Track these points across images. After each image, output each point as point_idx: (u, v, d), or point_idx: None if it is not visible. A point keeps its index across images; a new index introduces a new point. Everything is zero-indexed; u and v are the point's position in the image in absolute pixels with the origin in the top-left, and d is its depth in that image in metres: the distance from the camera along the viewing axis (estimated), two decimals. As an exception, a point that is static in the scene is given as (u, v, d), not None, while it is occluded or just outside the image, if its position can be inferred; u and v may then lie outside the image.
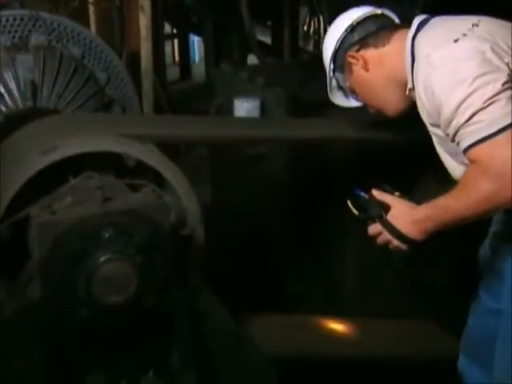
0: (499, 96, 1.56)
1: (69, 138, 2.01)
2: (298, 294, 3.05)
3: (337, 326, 2.83)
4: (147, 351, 1.97)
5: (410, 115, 1.92)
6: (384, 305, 2.79)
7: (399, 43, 1.86)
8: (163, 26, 7.04)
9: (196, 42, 9.41)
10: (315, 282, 3.01)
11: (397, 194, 1.83)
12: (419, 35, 1.80)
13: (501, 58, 1.62)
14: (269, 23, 6.39)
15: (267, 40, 6.27)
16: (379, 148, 2.31)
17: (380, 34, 1.92)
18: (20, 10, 2.99)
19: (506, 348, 1.90)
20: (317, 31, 6.30)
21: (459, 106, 1.59)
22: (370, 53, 1.93)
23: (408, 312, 2.77)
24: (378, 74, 1.92)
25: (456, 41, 1.65)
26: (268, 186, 2.94)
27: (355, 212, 1.85)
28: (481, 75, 1.58)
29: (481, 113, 1.57)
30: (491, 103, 1.56)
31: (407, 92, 1.87)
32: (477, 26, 1.70)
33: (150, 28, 4.53)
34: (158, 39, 5.58)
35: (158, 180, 2.11)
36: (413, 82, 1.80)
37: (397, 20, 2.00)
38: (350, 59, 1.96)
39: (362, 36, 1.94)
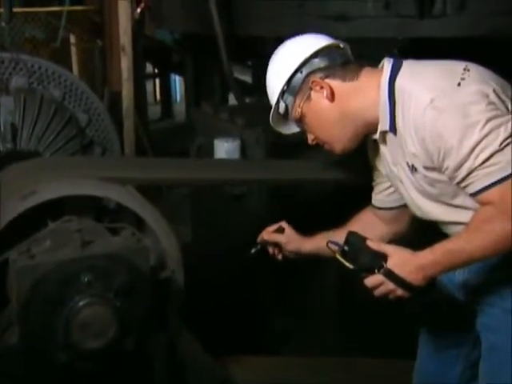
0: (511, 138, 1.60)
1: (48, 182, 2.01)
2: (282, 334, 3.04)
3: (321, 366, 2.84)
4: (127, 396, 1.95)
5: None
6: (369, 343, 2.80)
7: (369, 82, 1.82)
8: (145, 66, 7.11)
9: (177, 81, 9.49)
10: (298, 321, 3.00)
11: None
12: (400, 79, 1.77)
13: (502, 101, 1.66)
14: (249, 63, 6.46)
15: (247, 79, 6.33)
16: (356, 189, 2.34)
17: (348, 68, 1.86)
18: (0, 53, 3.01)
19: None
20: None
21: (473, 149, 1.60)
22: (337, 84, 1.84)
23: (393, 350, 2.78)
24: (341, 107, 1.84)
25: (459, 85, 1.66)
26: (248, 225, 2.95)
27: (349, 266, 1.77)
28: (492, 118, 1.60)
29: (497, 155, 1.59)
30: (506, 145, 1.59)
31: (377, 135, 1.84)
32: (468, 70, 1.71)
33: (132, 69, 4.58)
34: (139, 79, 5.62)
35: (139, 221, 2.12)
36: (391, 124, 1.78)
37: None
38: (313, 85, 1.85)
39: (328, 64, 1.85)
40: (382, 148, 1.90)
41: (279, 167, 2.37)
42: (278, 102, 1.91)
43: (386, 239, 2.02)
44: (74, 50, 6.01)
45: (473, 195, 1.67)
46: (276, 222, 2.19)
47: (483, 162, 1.60)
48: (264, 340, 2.96)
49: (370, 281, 1.74)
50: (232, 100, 4.35)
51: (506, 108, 1.66)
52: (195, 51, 5.31)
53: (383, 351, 2.78)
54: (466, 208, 1.75)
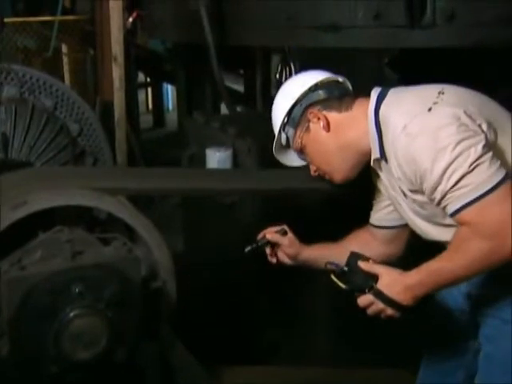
0: (482, 159, 1.61)
1: (39, 193, 2.00)
2: (272, 344, 3.04)
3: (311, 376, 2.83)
4: (118, 407, 1.94)
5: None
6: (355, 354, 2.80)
7: (361, 112, 1.88)
8: (137, 75, 7.12)
9: (170, 90, 9.50)
10: (288, 332, 2.99)
11: (371, 261, 1.84)
12: (383, 107, 1.83)
13: (474, 121, 1.68)
14: (241, 72, 6.48)
15: (240, 88, 6.35)
16: (348, 198, 2.35)
17: (344, 100, 1.94)
18: (-8, 63, 3.02)
19: None
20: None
21: (445, 171, 1.63)
22: (333, 115, 1.92)
23: (384, 360, 2.78)
24: (337, 137, 1.92)
25: (430, 110, 1.69)
26: (240, 234, 2.95)
27: (342, 286, 1.82)
28: (462, 140, 1.62)
29: (467, 177, 1.61)
30: (476, 166, 1.61)
31: (372, 162, 1.89)
32: (442, 93, 1.75)
33: (123, 78, 4.58)
34: (131, 88, 5.63)
35: (130, 231, 2.11)
36: (381, 152, 1.83)
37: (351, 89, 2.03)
38: (311, 117, 1.94)
39: (325, 97, 1.94)
40: (381, 174, 1.95)
41: (271, 177, 2.37)
42: (279, 134, 2.01)
43: (379, 260, 2.05)
44: (65, 59, 6.01)
45: (451, 216, 1.70)
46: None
47: (455, 184, 1.63)
48: (255, 350, 2.96)
49: (362, 301, 1.80)
50: (224, 109, 4.37)
51: (480, 128, 1.68)
52: (187, 61, 5.33)
53: (374, 361, 2.78)
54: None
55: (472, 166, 1.61)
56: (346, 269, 1.84)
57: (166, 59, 6.38)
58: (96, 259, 1.91)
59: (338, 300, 2.00)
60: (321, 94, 1.95)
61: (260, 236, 2.17)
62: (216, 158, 2.91)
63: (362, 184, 2.03)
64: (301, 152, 2.02)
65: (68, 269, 1.85)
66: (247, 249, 2.14)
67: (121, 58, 4.54)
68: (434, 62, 2.67)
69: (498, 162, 1.63)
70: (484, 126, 1.69)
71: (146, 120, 8.63)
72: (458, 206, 1.64)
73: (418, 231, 1.93)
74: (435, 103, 1.71)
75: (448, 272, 1.69)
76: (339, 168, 1.95)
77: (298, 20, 2.70)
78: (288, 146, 2.04)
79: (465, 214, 1.64)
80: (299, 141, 1.98)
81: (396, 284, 1.74)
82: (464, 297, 1.99)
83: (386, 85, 1.92)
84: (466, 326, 2.05)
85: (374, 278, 1.77)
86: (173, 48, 5.77)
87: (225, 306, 2.96)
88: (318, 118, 1.93)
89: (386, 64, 3.05)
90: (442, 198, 1.67)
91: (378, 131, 1.82)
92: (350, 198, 2.12)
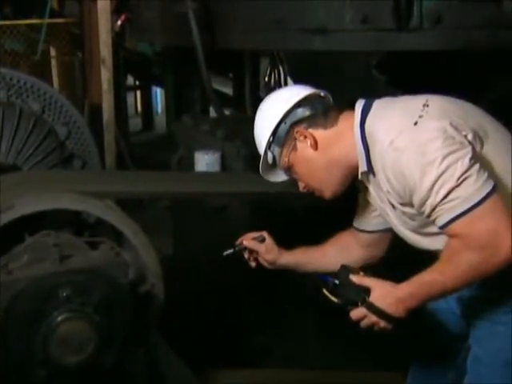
0: (469, 172, 1.62)
1: (26, 196, 1.99)
2: (263, 347, 3.03)
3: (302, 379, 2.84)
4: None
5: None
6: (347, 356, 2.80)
7: (346, 126, 1.87)
8: (126, 78, 7.11)
9: (159, 93, 9.48)
10: (278, 336, 2.99)
11: (361, 273, 1.83)
12: (369, 121, 1.82)
13: (460, 132, 1.69)
14: (230, 75, 6.48)
15: (229, 91, 6.35)
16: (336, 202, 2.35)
17: (329, 115, 1.91)
18: (-21, 67, 3.01)
19: None
20: (277, 82, 6.41)
21: (433, 185, 1.64)
22: (319, 133, 1.89)
23: (376, 363, 2.78)
24: (325, 154, 1.89)
25: (416, 124, 1.69)
26: (229, 237, 2.95)
27: (334, 300, 1.82)
28: (448, 154, 1.63)
29: (456, 190, 1.62)
30: (463, 180, 1.62)
31: (359, 176, 1.89)
32: (427, 105, 1.75)
33: (112, 81, 4.57)
34: (119, 91, 5.61)
35: (118, 235, 2.11)
36: (369, 165, 1.82)
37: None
38: (298, 135, 1.90)
39: (310, 114, 1.90)
40: (369, 186, 1.95)
41: (260, 180, 2.38)
42: (265, 153, 1.96)
43: (360, 263, 2.06)
44: (54, 62, 5.99)
45: (440, 228, 1.71)
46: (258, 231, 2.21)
47: (443, 198, 1.64)
48: (245, 353, 2.96)
49: (354, 314, 1.79)
50: (213, 112, 4.37)
51: (466, 139, 1.69)
52: (176, 64, 5.33)
53: (366, 363, 2.79)
54: None
55: (460, 180, 1.62)
56: (337, 282, 1.84)
57: (154, 62, 6.37)
58: (84, 263, 1.91)
59: (330, 303, 2.01)
60: (305, 110, 1.90)
61: (238, 241, 2.18)
62: (205, 161, 2.91)
63: (350, 192, 2.02)
64: (287, 170, 1.99)
65: (55, 273, 1.85)
66: (225, 253, 2.15)
67: (109, 61, 4.53)
68: (421, 65, 2.67)
69: (486, 174, 1.64)
70: (470, 137, 1.70)
71: (135, 123, 8.61)
72: (448, 218, 1.66)
73: (408, 241, 1.94)
74: (420, 116, 1.71)
75: (439, 284, 1.70)
76: (328, 184, 1.93)
77: (286, 23, 2.70)
78: (274, 164, 2.00)
79: (454, 227, 1.66)
80: (286, 160, 1.94)
81: (388, 296, 1.75)
82: (455, 299, 2.00)
83: (374, 87, 1.92)
84: (457, 328, 2.06)
85: (366, 290, 1.77)
86: (161, 51, 5.76)
87: (215, 309, 2.95)
88: (305, 137, 1.89)
89: (373, 67, 3.06)
90: (432, 211, 1.68)
91: (364, 145, 1.82)
92: (339, 201, 2.12)
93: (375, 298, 1.76)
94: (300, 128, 1.90)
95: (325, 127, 1.90)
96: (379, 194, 1.89)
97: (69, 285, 1.81)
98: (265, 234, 2.18)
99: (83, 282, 1.83)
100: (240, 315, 2.98)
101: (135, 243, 2.04)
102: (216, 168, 2.92)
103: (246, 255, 2.20)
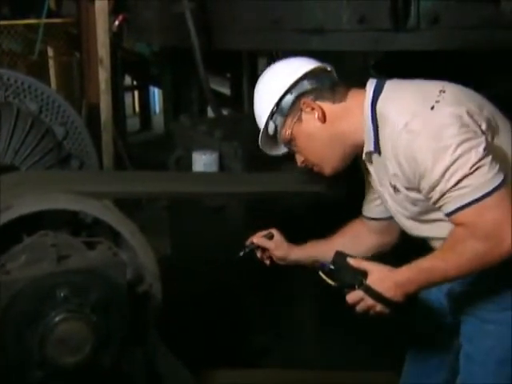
0: (482, 161, 1.63)
1: (24, 197, 1.99)
2: (261, 347, 3.04)
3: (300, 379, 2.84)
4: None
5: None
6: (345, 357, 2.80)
7: (355, 103, 1.85)
8: (123, 78, 7.11)
9: (156, 93, 9.48)
10: (277, 336, 3.00)
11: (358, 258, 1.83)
12: (381, 101, 1.79)
13: (475, 122, 1.69)
14: (228, 75, 6.48)
15: (226, 91, 6.35)
16: (335, 201, 2.35)
17: (336, 90, 1.88)
18: (-24, 67, 3.00)
19: None
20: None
21: (445, 172, 1.64)
22: (327, 106, 1.86)
23: (369, 364, 2.78)
24: (331, 128, 1.86)
25: (432, 108, 1.68)
26: (227, 237, 2.95)
27: (331, 283, 1.82)
28: (463, 141, 1.63)
29: (468, 178, 1.63)
30: (476, 169, 1.62)
31: (363, 156, 1.87)
32: (443, 91, 1.74)
33: (109, 81, 4.56)
34: (117, 91, 5.61)
35: (116, 235, 2.11)
36: (375, 146, 1.81)
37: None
38: (304, 107, 1.86)
39: (318, 86, 1.87)
40: (370, 167, 1.93)
41: (257, 180, 2.38)
42: (267, 124, 1.92)
43: (374, 251, 2.07)
44: (51, 62, 5.99)
45: (447, 216, 1.70)
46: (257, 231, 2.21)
47: (454, 185, 1.64)
48: (243, 353, 2.96)
49: (351, 297, 1.78)
50: (211, 112, 4.37)
51: (480, 129, 1.69)
52: (173, 64, 5.32)
53: (363, 364, 2.79)
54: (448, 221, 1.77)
55: (473, 168, 1.62)
56: (332, 267, 1.83)
57: (152, 62, 6.37)
58: (81, 263, 1.91)
59: (329, 303, 2.01)
60: (313, 83, 1.87)
61: (248, 241, 2.17)
62: (202, 161, 2.91)
63: (353, 178, 2.01)
64: (288, 143, 1.95)
65: (53, 273, 1.84)
66: (238, 255, 2.14)
67: (107, 61, 4.52)
68: (418, 65, 2.68)
69: (497, 166, 1.65)
70: (484, 127, 1.70)
71: (133, 123, 8.61)
72: (456, 206, 1.65)
73: (403, 226, 1.94)
74: (437, 102, 1.70)
75: (440, 271, 1.70)
76: (330, 159, 1.90)
77: (283, 23, 2.70)
78: (275, 136, 1.95)
79: (461, 215, 1.66)
80: (289, 131, 1.90)
81: (386, 280, 1.74)
82: (445, 296, 2.00)
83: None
84: (449, 325, 2.06)
85: (363, 274, 1.76)
86: (159, 51, 5.76)
87: (213, 309, 2.95)
88: (312, 109, 1.86)
89: (371, 67, 3.06)
90: (440, 197, 1.68)
91: (373, 125, 1.79)
92: (336, 199, 2.13)
93: (373, 281, 1.74)
94: (307, 99, 1.86)
95: (332, 101, 1.86)
96: (380, 176, 1.88)
97: (66, 285, 1.81)
98: (273, 230, 2.17)
99: (81, 283, 1.83)
100: (238, 315, 2.98)
101: (133, 243, 2.04)
102: (214, 168, 2.92)
103: (259, 254, 2.18)
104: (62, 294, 1.81)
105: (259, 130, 1.96)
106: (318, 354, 2.92)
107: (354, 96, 1.88)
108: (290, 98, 1.88)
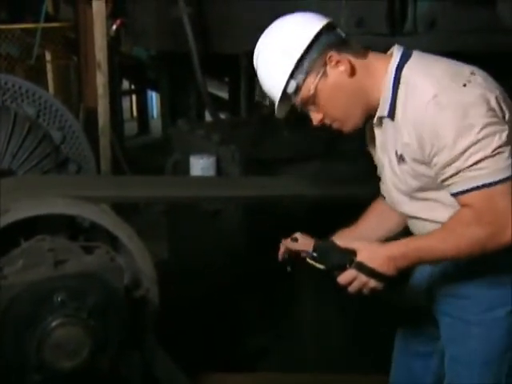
0: (504, 148, 1.63)
1: (21, 201, 1.99)
2: (258, 350, 3.03)
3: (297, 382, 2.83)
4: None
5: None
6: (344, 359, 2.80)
7: (379, 64, 1.79)
8: (121, 83, 7.11)
9: (154, 97, 9.48)
10: (275, 338, 2.99)
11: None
12: (408, 68, 1.75)
13: (501, 109, 1.69)
14: (226, 79, 6.48)
15: (224, 95, 6.35)
16: (333, 204, 2.35)
17: (355, 46, 1.79)
18: (-26, 71, 3.01)
19: None
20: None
21: (466, 150, 1.62)
22: (352, 59, 1.77)
23: (370, 366, 2.78)
24: (356, 83, 1.77)
25: (464, 85, 1.67)
26: (224, 241, 2.95)
27: (320, 266, 1.79)
28: (489, 124, 1.63)
29: (488, 160, 1.62)
30: (498, 153, 1.62)
31: (375, 119, 1.82)
32: (474, 74, 1.72)
33: (107, 85, 4.57)
34: (115, 96, 5.61)
35: (113, 239, 2.11)
36: (390, 112, 1.77)
37: None
38: (329, 61, 1.76)
39: (338, 39, 1.77)
40: (376, 132, 1.89)
41: (254, 184, 2.39)
42: (288, 82, 1.79)
43: (401, 227, 2.02)
44: (49, 66, 5.99)
45: (454, 195, 1.69)
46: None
47: (472, 165, 1.63)
48: (240, 357, 2.96)
49: (344, 277, 1.76)
50: (208, 116, 4.38)
51: (504, 117, 1.69)
52: (171, 68, 5.32)
53: (360, 367, 2.79)
54: (443, 204, 1.77)
55: (495, 152, 1.61)
56: (315, 254, 1.82)
57: (149, 66, 6.37)
58: (78, 268, 1.91)
59: (327, 305, 2.00)
60: (332, 36, 1.77)
61: (281, 253, 2.09)
62: (200, 166, 2.91)
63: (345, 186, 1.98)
64: (306, 101, 1.82)
65: (50, 278, 1.84)
66: (288, 269, 2.07)
67: (104, 65, 4.52)
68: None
69: None
70: (507, 116, 1.70)
71: (131, 127, 8.60)
72: (467, 187, 1.65)
73: (390, 200, 1.90)
74: (469, 81, 1.68)
75: (438, 250, 1.70)
76: (352, 115, 1.82)
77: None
78: (290, 96, 1.82)
79: (471, 196, 1.65)
80: (313, 87, 1.78)
81: (377, 255, 1.73)
82: (425, 294, 1.99)
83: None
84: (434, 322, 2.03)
85: (353, 253, 1.75)
86: (156, 55, 5.76)
87: (211, 313, 2.95)
88: (337, 62, 1.76)
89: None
90: (454, 174, 1.66)
91: (393, 89, 1.75)
92: (335, 202, 2.12)
93: (364, 257, 1.73)
94: (332, 53, 1.76)
95: (356, 56, 1.78)
96: (386, 142, 1.84)
97: (64, 289, 1.81)
98: (296, 234, 2.13)
99: (78, 287, 1.83)
100: (235, 319, 2.98)
101: (130, 248, 2.04)
102: (211, 172, 2.92)
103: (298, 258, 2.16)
104: (59, 299, 1.81)
105: (271, 94, 1.85)
106: (316, 356, 2.92)
107: (376, 56, 1.82)
108: (313, 53, 1.76)
